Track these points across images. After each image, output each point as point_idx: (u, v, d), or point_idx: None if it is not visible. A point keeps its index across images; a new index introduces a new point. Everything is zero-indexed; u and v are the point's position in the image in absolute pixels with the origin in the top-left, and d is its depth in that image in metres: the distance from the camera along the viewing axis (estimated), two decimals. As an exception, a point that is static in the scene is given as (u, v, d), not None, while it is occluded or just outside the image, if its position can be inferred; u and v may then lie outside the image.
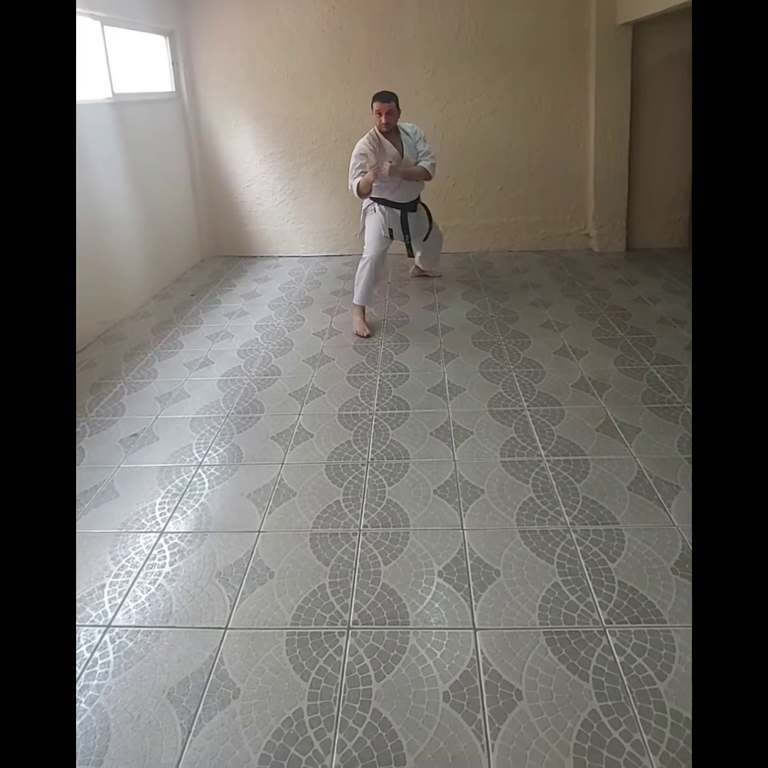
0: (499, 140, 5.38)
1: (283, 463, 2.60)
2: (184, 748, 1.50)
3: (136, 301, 4.62)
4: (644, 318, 3.91)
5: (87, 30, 4.07)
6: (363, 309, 4.04)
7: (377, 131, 3.80)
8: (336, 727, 1.52)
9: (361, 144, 3.77)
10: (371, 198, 3.96)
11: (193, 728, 1.54)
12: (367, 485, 2.43)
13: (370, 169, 3.68)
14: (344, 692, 1.61)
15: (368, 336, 3.87)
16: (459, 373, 3.30)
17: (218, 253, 5.94)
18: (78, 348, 3.83)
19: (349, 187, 3.82)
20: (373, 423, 2.87)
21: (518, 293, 4.51)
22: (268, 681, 1.65)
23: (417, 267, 4.93)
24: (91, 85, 4.13)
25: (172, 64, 5.39)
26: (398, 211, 4.01)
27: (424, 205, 4.23)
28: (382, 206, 3.96)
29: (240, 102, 5.52)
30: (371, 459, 2.60)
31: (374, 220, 3.97)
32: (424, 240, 4.31)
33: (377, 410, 2.98)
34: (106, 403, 3.19)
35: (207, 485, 2.49)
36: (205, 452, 2.72)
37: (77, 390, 3.32)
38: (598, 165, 5.24)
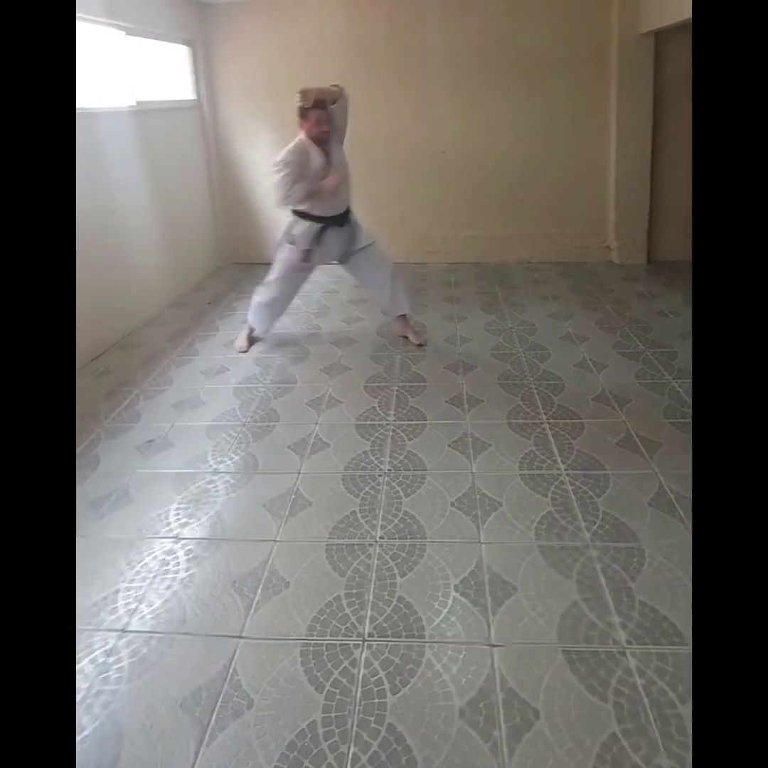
0: (519, 151, 5.37)
1: (299, 473, 2.59)
2: (196, 758, 1.48)
3: (152, 308, 4.65)
4: (666, 331, 3.86)
5: (111, 40, 4.13)
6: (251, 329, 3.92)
7: (307, 140, 3.39)
8: (350, 740, 1.50)
9: (287, 153, 3.31)
10: (292, 210, 3.50)
11: (206, 739, 1.53)
12: (383, 496, 2.41)
13: (318, 184, 3.36)
14: (359, 705, 1.59)
15: (244, 351, 3.84)
16: (477, 385, 3.28)
17: (235, 260, 5.98)
18: (94, 355, 3.86)
19: (281, 197, 3.29)
20: (390, 433, 2.85)
21: (537, 305, 4.48)
22: (282, 692, 1.63)
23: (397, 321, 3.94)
24: (115, 93, 4.18)
25: (193, 73, 5.45)
26: (322, 226, 3.49)
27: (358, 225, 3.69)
28: (304, 220, 3.48)
29: (259, 111, 5.57)
30: (388, 470, 2.58)
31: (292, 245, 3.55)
32: (357, 253, 3.65)
33: (394, 421, 2.96)
34: (122, 411, 3.20)
35: (222, 493, 2.49)
36: (220, 460, 2.72)
37: (93, 397, 3.34)
38: (619, 176, 5.21)
